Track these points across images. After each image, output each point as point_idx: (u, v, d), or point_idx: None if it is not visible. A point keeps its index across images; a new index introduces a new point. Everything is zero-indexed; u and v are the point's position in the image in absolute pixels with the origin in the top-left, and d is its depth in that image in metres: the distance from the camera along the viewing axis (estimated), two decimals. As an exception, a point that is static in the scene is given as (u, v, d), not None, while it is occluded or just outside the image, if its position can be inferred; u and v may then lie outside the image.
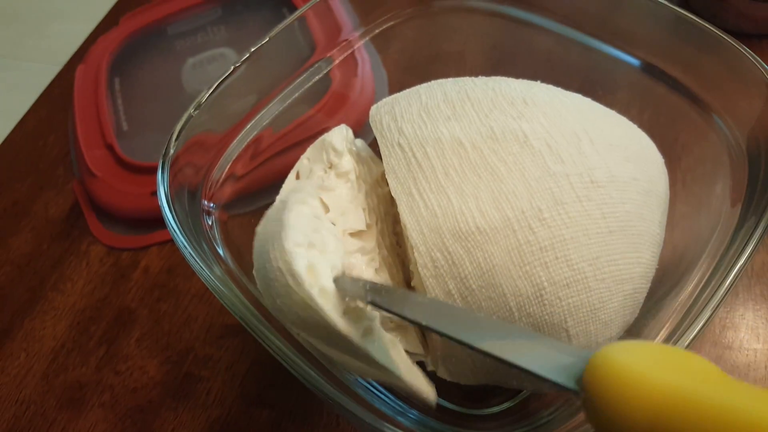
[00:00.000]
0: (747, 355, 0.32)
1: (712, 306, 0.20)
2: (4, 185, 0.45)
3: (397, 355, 0.21)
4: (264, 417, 0.33)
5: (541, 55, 0.41)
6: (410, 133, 0.26)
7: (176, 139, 0.27)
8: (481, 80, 0.28)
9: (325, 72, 0.38)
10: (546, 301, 0.22)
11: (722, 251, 0.23)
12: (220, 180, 0.32)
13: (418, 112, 0.27)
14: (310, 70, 0.37)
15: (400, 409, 0.25)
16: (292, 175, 0.31)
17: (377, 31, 0.38)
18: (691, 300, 0.22)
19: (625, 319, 0.24)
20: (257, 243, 0.22)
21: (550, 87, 0.28)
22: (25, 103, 0.50)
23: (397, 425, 0.22)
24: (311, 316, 0.20)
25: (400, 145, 0.26)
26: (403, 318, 0.18)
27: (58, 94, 0.50)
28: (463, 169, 0.24)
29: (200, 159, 0.30)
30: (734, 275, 0.21)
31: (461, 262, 0.23)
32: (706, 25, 0.30)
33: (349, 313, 0.20)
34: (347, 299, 0.20)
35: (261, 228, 0.22)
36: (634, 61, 0.35)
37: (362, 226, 0.28)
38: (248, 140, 0.34)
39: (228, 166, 0.32)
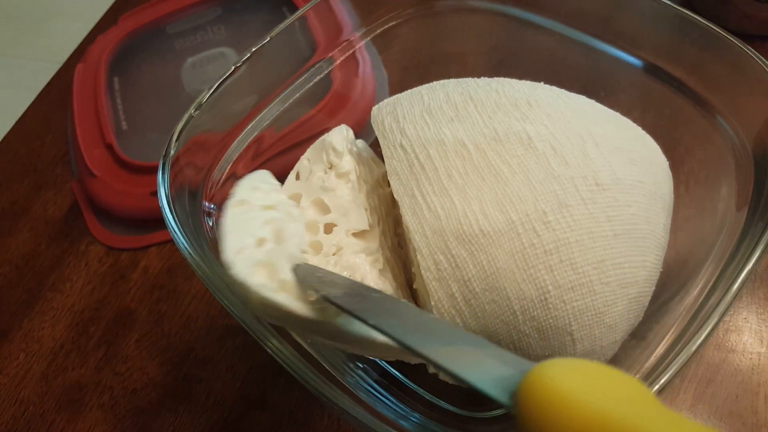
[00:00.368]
0: (750, 358, 0.32)
1: (720, 312, 0.20)
2: (3, 185, 0.45)
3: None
4: (264, 419, 0.33)
5: (543, 55, 0.40)
6: (413, 135, 0.26)
7: (177, 140, 0.26)
8: (484, 81, 0.28)
9: (326, 72, 0.38)
10: (550, 305, 0.22)
11: (728, 256, 0.23)
12: (221, 180, 0.32)
13: (420, 113, 0.27)
14: (311, 70, 0.37)
15: (402, 412, 0.24)
16: (292, 176, 0.31)
17: (378, 31, 0.38)
18: (697, 305, 0.22)
19: (630, 323, 0.24)
20: None
21: (554, 88, 0.28)
22: (24, 101, 0.50)
23: (399, 429, 0.22)
24: (280, 312, 0.20)
25: (402, 146, 0.26)
26: (353, 316, 0.18)
27: (56, 94, 0.50)
28: (466, 171, 0.24)
29: (201, 159, 0.30)
30: (741, 281, 0.21)
31: (465, 265, 0.22)
32: (710, 25, 0.30)
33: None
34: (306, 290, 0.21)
35: None
36: (637, 62, 0.35)
37: (365, 226, 0.28)
38: (249, 140, 0.34)
39: (229, 167, 0.32)
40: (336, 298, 0.19)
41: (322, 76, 0.38)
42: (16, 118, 0.49)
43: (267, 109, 0.35)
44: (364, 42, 0.39)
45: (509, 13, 0.39)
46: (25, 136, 0.48)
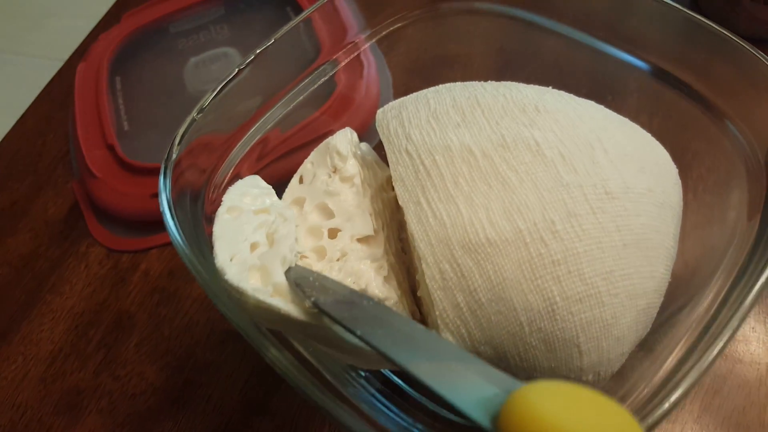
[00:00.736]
0: (758, 369, 0.31)
1: (732, 327, 0.20)
2: (3, 185, 0.45)
3: None
4: (265, 426, 0.33)
5: (549, 58, 0.40)
6: (418, 140, 0.25)
7: (179, 143, 0.26)
8: (492, 85, 0.28)
9: (330, 74, 0.37)
10: (558, 317, 0.22)
11: (740, 267, 0.23)
12: (224, 182, 0.32)
13: (426, 117, 0.26)
14: (316, 72, 0.37)
15: (404, 424, 0.24)
16: (295, 180, 0.31)
17: (383, 33, 0.38)
18: (708, 317, 0.22)
19: (638, 334, 0.23)
20: None
21: (562, 93, 0.27)
22: (25, 100, 0.50)
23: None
24: (275, 316, 0.20)
25: (407, 151, 0.25)
26: (340, 324, 0.18)
27: (58, 92, 0.49)
28: (473, 178, 0.23)
29: (204, 161, 0.30)
30: (755, 294, 0.20)
31: (471, 274, 0.22)
32: (719, 28, 0.30)
33: None
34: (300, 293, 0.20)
35: None
36: (645, 66, 0.35)
37: (370, 232, 0.28)
38: (253, 142, 0.34)
39: (232, 168, 0.32)
40: (325, 305, 0.18)
41: (326, 78, 0.37)
42: (18, 117, 0.48)
43: (271, 111, 0.34)
44: (369, 44, 0.38)
45: (515, 15, 0.38)
46: (26, 135, 0.48)
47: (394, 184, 0.25)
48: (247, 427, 0.33)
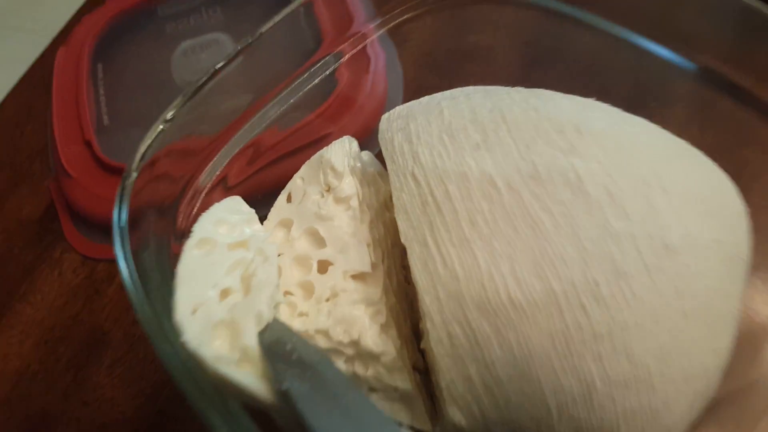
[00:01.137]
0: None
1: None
2: (-24, 178, 0.41)
3: None
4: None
5: (584, 56, 0.35)
6: (428, 162, 0.21)
7: (139, 163, 0.22)
8: (521, 95, 0.23)
9: (332, 69, 0.33)
10: (596, 404, 0.17)
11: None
12: (205, 190, 0.27)
13: (438, 133, 0.22)
14: (316, 66, 0.32)
15: None
16: (282, 197, 0.26)
17: (395, 22, 0.33)
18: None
19: (690, 421, 0.19)
20: None
21: (608, 108, 0.22)
22: (7, 84, 0.45)
23: None
24: (240, 393, 0.16)
25: (414, 176, 0.21)
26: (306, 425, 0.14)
27: (39, 78, 0.45)
28: (494, 219, 0.18)
29: (179, 168, 0.25)
30: None
31: (487, 343, 0.18)
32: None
33: None
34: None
35: None
36: (695, 68, 0.30)
37: (367, 268, 0.23)
38: (242, 145, 0.29)
39: (216, 174, 0.27)
40: (299, 396, 0.14)
41: (327, 73, 0.32)
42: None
43: (262, 111, 0.30)
44: (378, 34, 0.33)
45: (546, 5, 0.33)
46: (4, 125, 0.44)
47: (396, 215, 0.21)
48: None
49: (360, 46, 0.33)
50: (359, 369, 0.22)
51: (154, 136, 0.22)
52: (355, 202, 0.25)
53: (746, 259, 0.20)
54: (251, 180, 0.29)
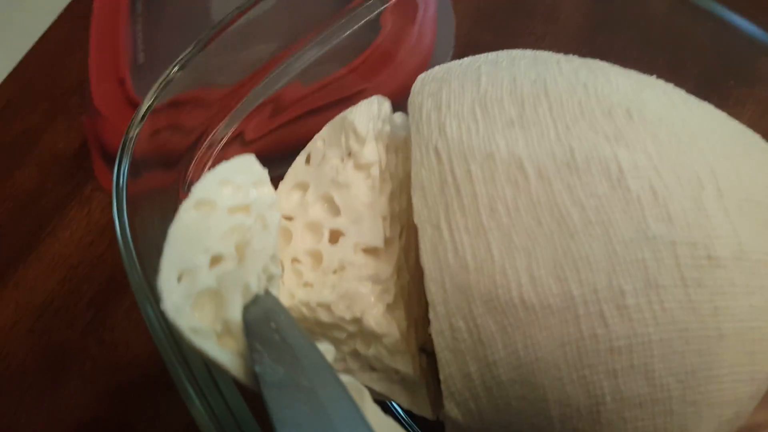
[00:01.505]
0: None
1: None
2: (18, 110, 0.42)
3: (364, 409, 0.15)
4: (258, 407, 0.29)
5: (658, 23, 0.32)
6: (453, 137, 0.19)
7: (145, 112, 0.21)
8: (572, 65, 0.20)
9: (375, 13, 0.30)
10: (603, 420, 0.15)
11: None
12: (221, 143, 0.26)
13: (471, 104, 0.19)
14: (357, 9, 0.29)
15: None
16: (301, 158, 0.25)
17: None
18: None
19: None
20: None
21: (670, 90, 0.19)
22: (50, 14, 0.45)
23: None
24: (215, 366, 0.15)
25: (437, 151, 0.19)
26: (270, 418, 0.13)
27: (83, 10, 0.45)
28: (517, 207, 0.16)
29: (192, 119, 0.24)
30: None
31: (491, 342, 0.16)
32: None
33: None
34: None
35: None
36: None
37: (379, 243, 0.22)
38: (265, 97, 0.28)
39: (231, 131, 0.26)
40: (268, 382, 0.13)
41: (368, 18, 0.30)
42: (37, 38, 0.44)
43: (288, 62, 0.28)
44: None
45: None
46: (46, 58, 0.44)
47: (412, 191, 0.19)
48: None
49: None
50: (360, 347, 0.21)
51: (164, 84, 0.21)
52: (376, 171, 0.23)
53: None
54: (271, 136, 0.28)
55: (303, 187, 0.24)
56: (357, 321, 0.20)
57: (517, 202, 0.17)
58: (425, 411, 0.21)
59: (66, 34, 0.44)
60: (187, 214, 0.18)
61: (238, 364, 0.15)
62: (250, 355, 0.15)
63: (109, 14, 0.39)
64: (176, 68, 0.22)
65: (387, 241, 0.22)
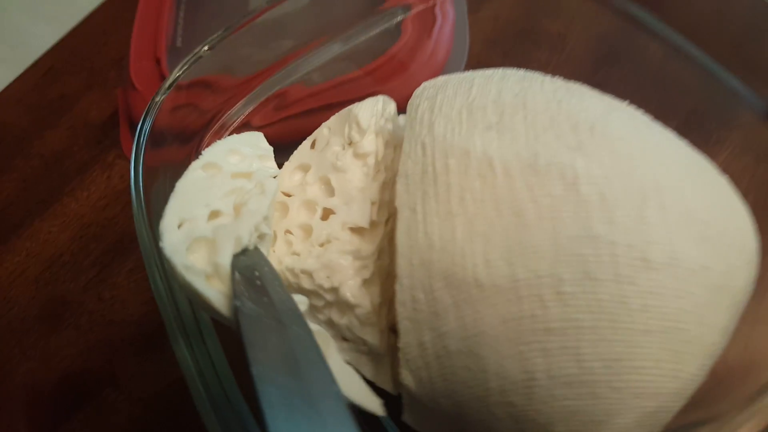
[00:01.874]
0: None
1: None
2: (59, 76, 0.45)
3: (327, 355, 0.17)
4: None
5: (653, 65, 0.34)
6: (439, 134, 0.21)
7: (169, 86, 0.23)
8: (553, 85, 0.22)
9: (393, 22, 0.32)
10: (535, 396, 0.17)
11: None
12: (230, 128, 0.29)
13: (459, 108, 0.22)
14: (378, 17, 0.32)
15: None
16: (307, 143, 0.27)
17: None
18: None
19: (638, 438, 0.19)
20: None
21: (639, 117, 0.22)
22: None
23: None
24: (204, 303, 0.17)
25: (423, 145, 0.21)
26: (244, 350, 0.15)
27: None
28: (483, 198, 0.19)
29: (208, 102, 0.27)
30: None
31: (445, 314, 0.18)
32: None
33: None
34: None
35: None
36: (761, 104, 0.28)
37: (365, 223, 0.24)
38: (275, 89, 0.30)
39: (243, 116, 0.29)
40: (244, 318, 0.15)
41: (387, 26, 0.32)
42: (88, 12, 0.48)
43: (304, 58, 0.30)
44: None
45: (625, 9, 0.32)
46: (91, 31, 0.47)
47: (397, 178, 0.21)
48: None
49: (430, 3, 0.32)
50: (335, 316, 0.23)
51: (193, 60, 0.24)
52: (372, 160, 0.26)
53: (738, 292, 0.19)
54: (280, 127, 0.30)
55: (305, 168, 0.27)
56: (334, 290, 0.22)
57: (483, 194, 0.19)
58: (387, 384, 0.23)
59: (114, 12, 0.48)
60: (194, 172, 0.20)
61: (222, 301, 0.17)
62: (233, 291, 0.17)
63: (155, -1, 0.42)
64: (206, 47, 0.24)
65: (373, 224, 0.24)
